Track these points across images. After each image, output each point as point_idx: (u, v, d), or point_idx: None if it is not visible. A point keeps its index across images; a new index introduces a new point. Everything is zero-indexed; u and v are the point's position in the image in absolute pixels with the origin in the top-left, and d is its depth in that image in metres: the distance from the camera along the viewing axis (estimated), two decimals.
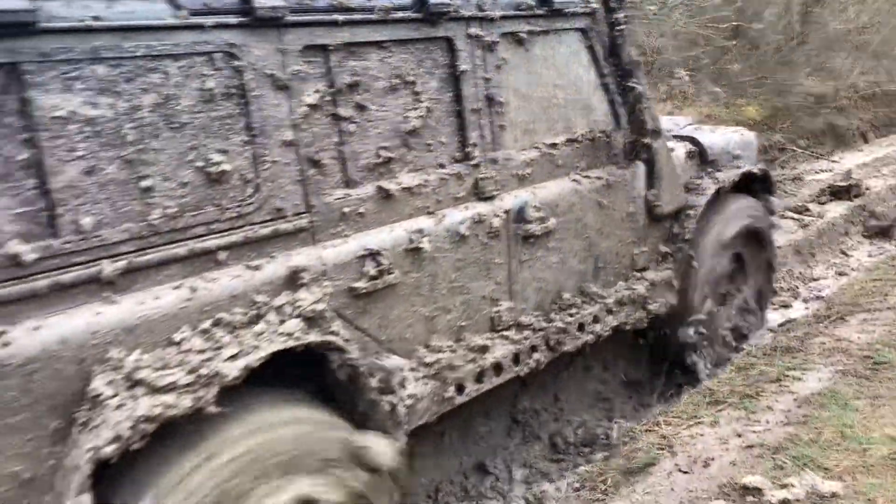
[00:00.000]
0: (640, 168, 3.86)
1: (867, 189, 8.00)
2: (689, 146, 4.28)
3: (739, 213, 4.40)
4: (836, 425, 3.29)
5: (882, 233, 7.17)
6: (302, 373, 2.61)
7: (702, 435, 3.36)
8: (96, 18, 2.08)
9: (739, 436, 3.32)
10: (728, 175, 4.27)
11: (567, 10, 3.43)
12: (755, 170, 4.50)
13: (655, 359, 4.49)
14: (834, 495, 2.76)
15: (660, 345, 4.39)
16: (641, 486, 3.04)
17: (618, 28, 3.65)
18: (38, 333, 2.00)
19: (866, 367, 3.82)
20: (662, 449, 3.28)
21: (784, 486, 2.83)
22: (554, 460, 3.90)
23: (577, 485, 3.28)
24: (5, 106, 1.96)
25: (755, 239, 4.59)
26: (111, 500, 2.12)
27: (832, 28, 12.33)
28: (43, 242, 2.03)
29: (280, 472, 2.32)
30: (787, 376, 3.81)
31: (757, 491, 2.85)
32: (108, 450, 1.98)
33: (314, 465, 2.40)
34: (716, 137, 4.48)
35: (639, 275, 3.91)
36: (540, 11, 3.31)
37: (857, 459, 3.02)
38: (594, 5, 3.59)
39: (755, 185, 4.60)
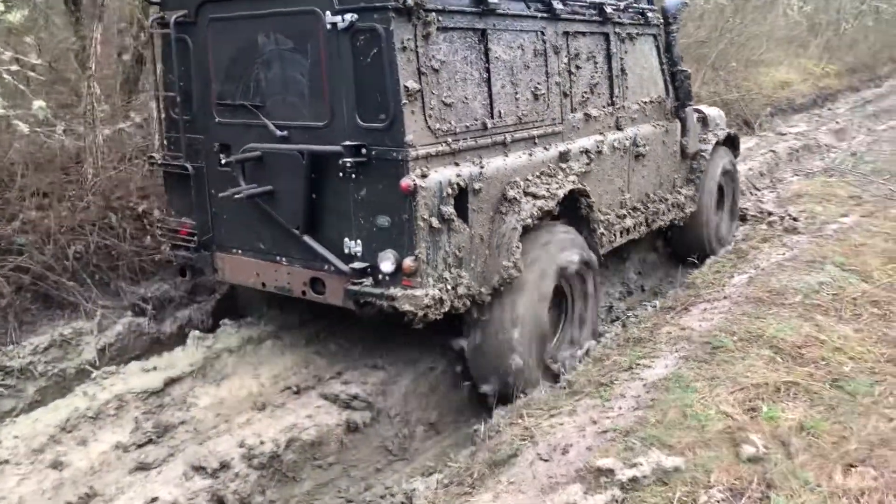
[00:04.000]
0: (678, 124, 6.19)
1: None
2: (699, 114, 6.67)
3: (724, 158, 6.85)
4: (679, 406, 3.48)
5: None
6: None
7: (561, 424, 3.48)
8: (507, 9, 4.10)
9: (595, 422, 3.45)
10: (720, 133, 6.73)
11: (651, 22, 5.71)
12: (732, 132, 6.99)
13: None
14: (676, 469, 2.97)
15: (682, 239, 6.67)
16: (505, 476, 3.15)
17: (672, 35, 5.99)
18: (489, 165, 3.99)
19: (705, 351, 4.12)
20: (525, 440, 3.37)
21: (633, 466, 3.01)
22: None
23: (446, 481, 3.36)
24: (481, 52, 3.96)
25: (729, 175, 7.06)
26: None
27: None
28: (490, 119, 4.02)
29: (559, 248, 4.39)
30: (638, 364, 4.05)
31: (609, 472, 3.01)
32: (529, 221, 4.00)
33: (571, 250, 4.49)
34: (709, 111, 6.93)
35: (678, 190, 6.23)
36: (640, 21, 5.58)
37: (697, 435, 3.23)
38: (661, 20, 5.91)
39: (728, 143, 7.09)
